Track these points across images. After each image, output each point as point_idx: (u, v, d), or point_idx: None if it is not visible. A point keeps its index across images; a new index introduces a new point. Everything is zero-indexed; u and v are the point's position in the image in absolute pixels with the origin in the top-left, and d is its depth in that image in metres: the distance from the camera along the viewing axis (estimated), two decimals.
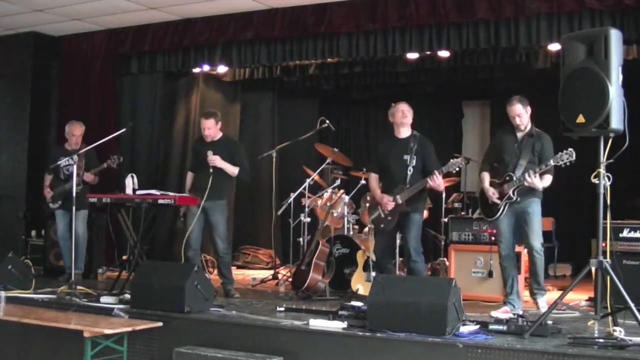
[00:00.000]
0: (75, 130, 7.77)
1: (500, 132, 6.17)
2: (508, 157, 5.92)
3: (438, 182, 6.09)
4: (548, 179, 5.79)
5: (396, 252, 6.83)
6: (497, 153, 6.08)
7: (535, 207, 5.86)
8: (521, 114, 5.86)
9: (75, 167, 7.03)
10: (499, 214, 5.86)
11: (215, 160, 6.77)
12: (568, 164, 5.49)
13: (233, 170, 6.87)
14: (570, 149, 5.47)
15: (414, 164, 6.21)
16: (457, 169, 6.20)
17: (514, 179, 5.77)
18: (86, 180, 7.57)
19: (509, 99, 5.95)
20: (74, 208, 6.86)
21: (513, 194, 5.78)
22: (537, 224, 5.85)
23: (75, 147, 7.65)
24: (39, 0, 7.93)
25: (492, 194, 5.91)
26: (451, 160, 6.12)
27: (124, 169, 8.07)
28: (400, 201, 6.17)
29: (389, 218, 6.26)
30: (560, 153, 5.54)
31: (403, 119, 6.36)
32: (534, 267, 5.88)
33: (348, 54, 7.86)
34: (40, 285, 6.73)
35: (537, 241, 5.82)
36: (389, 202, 6.22)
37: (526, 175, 5.68)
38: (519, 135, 5.93)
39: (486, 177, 6.07)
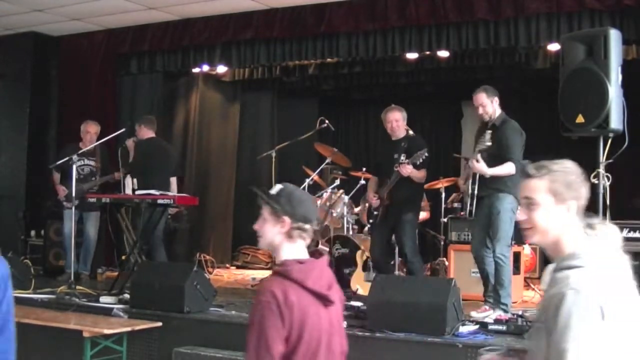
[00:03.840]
0: (90, 128, 7.80)
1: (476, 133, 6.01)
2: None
3: (404, 170, 6.14)
4: (502, 168, 5.33)
5: (395, 251, 6.84)
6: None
7: (501, 205, 5.40)
8: (485, 104, 5.58)
9: (92, 168, 7.14)
10: (468, 210, 5.50)
11: None
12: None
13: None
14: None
15: (402, 161, 6.27)
16: (421, 160, 6.15)
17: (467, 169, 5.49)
18: (115, 179, 7.75)
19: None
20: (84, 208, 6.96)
21: (469, 186, 5.45)
22: (503, 225, 5.37)
23: (89, 144, 7.64)
24: (38, 0, 7.92)
25: (464, 191, 5.82)
26: (417, 152, 6.18)
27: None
28: (382, 195, 6.39)
29: (375, 213, 6.54)
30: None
31: (392, 132, 6.50)
32: (496, 272, 5.41)
33: (348, 54, 7.86)
34: (39, 285, 6.72)
35: (499, 244, 5.37)
36: (372, 199, 6.51)
37: (469, 162, 5.43)
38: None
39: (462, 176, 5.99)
